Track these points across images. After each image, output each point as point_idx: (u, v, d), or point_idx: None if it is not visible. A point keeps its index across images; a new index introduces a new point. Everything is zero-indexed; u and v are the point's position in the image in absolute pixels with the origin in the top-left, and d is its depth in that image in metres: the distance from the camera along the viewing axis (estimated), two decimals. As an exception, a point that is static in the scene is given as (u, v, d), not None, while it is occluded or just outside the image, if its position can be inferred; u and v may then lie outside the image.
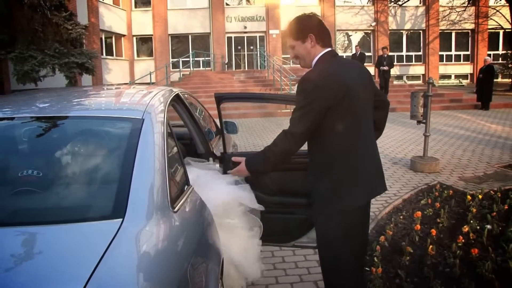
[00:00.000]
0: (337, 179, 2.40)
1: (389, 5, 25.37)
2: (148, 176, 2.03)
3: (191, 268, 1.87)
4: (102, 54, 21.98)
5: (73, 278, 1.43)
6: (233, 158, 2.74)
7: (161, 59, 24.52)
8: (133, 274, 1.56)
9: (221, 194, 2.80)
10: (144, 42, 26.20)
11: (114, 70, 23.05)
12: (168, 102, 2.79)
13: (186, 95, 3.70)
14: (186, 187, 2.43)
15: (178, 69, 23.07)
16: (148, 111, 2.40)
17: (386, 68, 16.62)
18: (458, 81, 26.59)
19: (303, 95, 2.35)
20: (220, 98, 3.30)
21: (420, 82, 25.29)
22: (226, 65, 25.53)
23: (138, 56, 25.97)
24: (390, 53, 23.99)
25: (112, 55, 23.82)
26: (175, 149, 2.56)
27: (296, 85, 2.52)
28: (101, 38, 22.17)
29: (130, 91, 3.35)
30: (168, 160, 2.20)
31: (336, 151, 2.39)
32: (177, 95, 3.28)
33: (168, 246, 1.81)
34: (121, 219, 1.75)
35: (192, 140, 3.62)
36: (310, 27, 2.46)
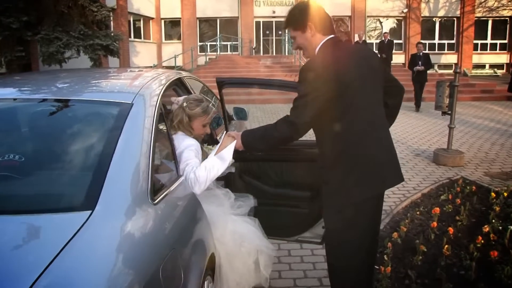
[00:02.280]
0: (346, 171, 2.31)
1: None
2: (128, 166, 1.91)
3: (166, 265, 1.73)
4: (130, 37, 22.04)
5: (18, 280, 1.30)
6: (229, 133, 2.58)
7: (189, 43, 24.39)
8: (90, 275, 1.42)
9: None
10: (173, 25, 26.13)
11: (142, 52, 23.12)
12: (165, 86, 2.65)
13: (192, 80, 3.57)
14: (175, 178, 2.30)
15: (204, 53, 22.97)
16: (139, 95, 2.27)
17: (421, 68, 12.48)
18: (492, 71, 25.61)
19: (304, 85, 2.25)
20: (222, 83, 3.15)
21: (452, 71, 24.46)
22: (253, 50, 25.29)
23: (166, 39, 25.93)
24: (422, 41, 23.34)
25: (140, 38, 23.88)
26: (166, 137, 2.42)
27: (298, 74, 2.37)
28: (129, 21, 22.20)
29: (128, 74, 3.22)
30: (154, 149, 2.06)
31: (345, 142, 2.29)
32: (179, 79, 3.15)
33: (138, 243, 1.68)
34: (90, 211, 1.63)
35: None
36: (308, 16, 2.35)
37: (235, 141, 2.47)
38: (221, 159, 2.45)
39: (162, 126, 2.39)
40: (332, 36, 2.37)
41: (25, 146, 2.06)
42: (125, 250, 1.59)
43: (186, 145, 2.51)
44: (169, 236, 1.90)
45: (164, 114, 2.49)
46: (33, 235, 1.52)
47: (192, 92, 3.30)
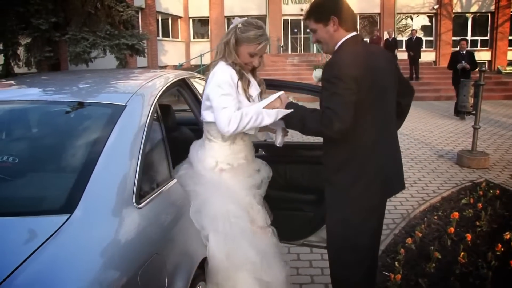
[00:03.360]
0: (354, 175, 2.23)
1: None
2: (113, 169, 1.89)
3: (145, 270, 1.69)
4: (158, 36, 22.21)
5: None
6: (282, 96, 2.35)
7: (217, 41, 24.21)
8: (57, 283, 1.38)
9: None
10: (201, 24, 26.27)
11: (170, 51, 23.28)
12: (165, 88, 2.61)
13: (196, 80, 3.52)
14: (166, 180, 2.25)
15: (231, 52, 22.98)
16: (134, 97, 2.25)
17: (466, 65, 10.41)
18: (529, 68, 24.68)
19: (336, 81, 2.08)
20: None
21: (485, 69, 23.62)
22: (282, 48, 25.17)
23: (194, 37, 26.08)
24: (454, 38, 22.66)
25: (169, 37, 24.04)
26: (160, 138, 2.37)
27: (323, 71, 2.23)
28: (158, 20, 22.38)
29: (134, 75, 3.20)
30: (145, 151, 2.02)
31: (358, 144, 2.20)
32: (183, 80, 3.11)
33: (115, 248, 1.64)
34: (68, 215, 1.60)
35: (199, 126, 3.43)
36: (332, 9, 2.24)
37: (291, 110, 2.25)
38: (269, 116, 2.27)
39: (156, 127, 2.34)
40: (355, 33, 2.27)
41: (13, 148, 2.06)
42: (98, 255, 1.56)
43: (221, 81, 2.31)
44: (152, 241, 1.86)
45: (161, 116, 2.45)
46: (6, 239, 1.49)
47: (198, 93, 3.25)
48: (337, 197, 2.28)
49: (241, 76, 2.40)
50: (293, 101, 2.38)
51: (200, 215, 2.28)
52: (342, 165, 2.23)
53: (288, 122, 2.30)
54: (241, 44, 2.40)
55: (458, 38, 23.32)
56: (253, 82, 2.55)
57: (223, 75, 2.34)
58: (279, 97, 2.33)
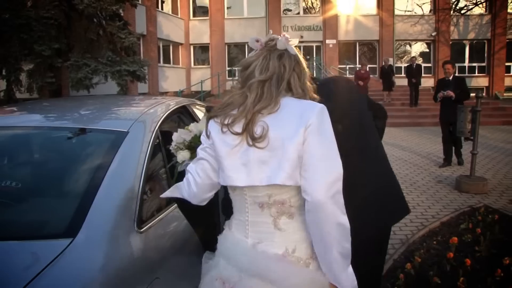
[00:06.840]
0: (377, 194, 2.21)
1: (452, 14, 24.24)
2: (115, 194, 1.91)
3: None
4: (159, 62, 22.50)
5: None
6: None
7: (218, 67, 24.73)
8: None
9: None
10: (201, 51, 26.59)
11: (171, 77, 23.53)
12: (166, 114, 2.66)
13: (197, 107, 3.59)
14: (168, 205, 2.28)
15: (232, 78, 23.23)
16: (136, 123, 2.30)
17: (449, 93, 7.60)
18: (527, 94, 24.87)
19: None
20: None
21: (483, 95, 23.80)
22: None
23: (195, 64, 26.37)
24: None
25: (169, 63, 24.33)
26: (161, 164, 2.42)
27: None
28: (159, 47, 22.69)
29: (137, 102, 3.26)
30: (146, 177, 2.07)
31: (376, 163, 2.26)
32: (184, 107, 3.17)
33: (118, 272, 1.67)
34: (71, 239, 1.63)
35: None
36: None
37: None
38: None
39: (158, 152, 2.39)
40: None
41: (16, 173, 2.10)
42: (100, 279, 1.59)
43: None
44: (153, 265, 1.88)
45: (161, 141, 2.50)
46: (4, 263, 1.52)
47: (197, 120, 3.30)
48: (363, 215, 2.22)
49: None
50: None
51: None
52: (365, 183, 2.18)
53: None
54: None
55: (456, 65, 23.80)
56: None
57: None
58: None
